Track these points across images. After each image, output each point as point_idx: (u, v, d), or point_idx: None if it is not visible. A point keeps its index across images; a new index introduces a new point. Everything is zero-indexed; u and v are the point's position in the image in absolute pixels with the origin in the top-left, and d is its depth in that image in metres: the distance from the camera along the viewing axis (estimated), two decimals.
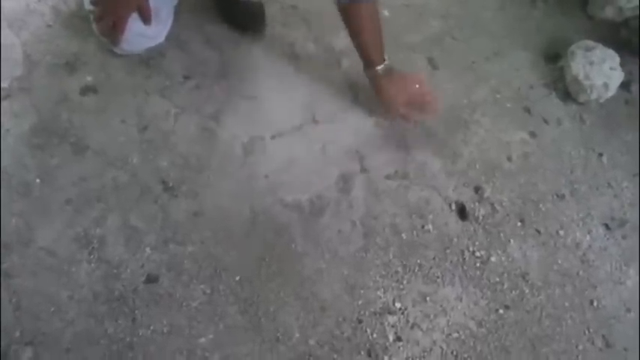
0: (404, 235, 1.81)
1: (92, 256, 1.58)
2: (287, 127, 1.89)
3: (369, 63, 1.83)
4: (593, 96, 2.16)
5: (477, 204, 1.91)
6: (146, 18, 1.70)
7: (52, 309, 1.50)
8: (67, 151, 1.70)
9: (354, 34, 1.78)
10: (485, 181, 1.96)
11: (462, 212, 1.89)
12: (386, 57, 1.83)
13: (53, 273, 1.54)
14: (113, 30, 1.69)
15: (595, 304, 1.85)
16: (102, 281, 1.56)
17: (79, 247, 1.59)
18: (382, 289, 1.71)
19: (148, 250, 1.62)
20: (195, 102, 1.86)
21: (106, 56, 1.85)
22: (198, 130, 1.82)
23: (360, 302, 1.68)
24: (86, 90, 1.79)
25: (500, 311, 1.76)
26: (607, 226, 1.99)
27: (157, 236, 1.65)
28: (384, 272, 1.74)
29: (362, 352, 1.62)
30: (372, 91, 1.91)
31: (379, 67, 1.82)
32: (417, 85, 1.87)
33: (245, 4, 1.97)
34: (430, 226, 1.84)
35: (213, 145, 1.81)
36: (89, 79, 1.81)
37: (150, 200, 1.69)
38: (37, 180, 1.64)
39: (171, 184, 1.72)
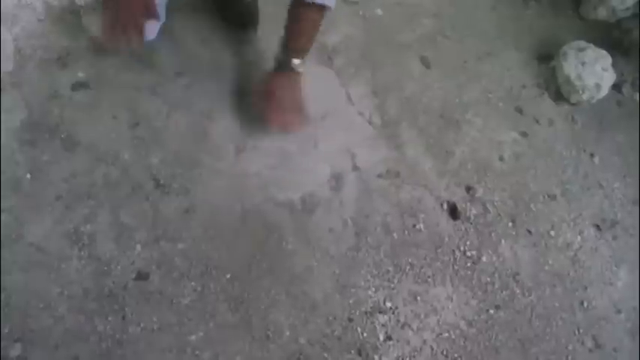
0: (395, 235, 1.81)
1: (82, 253, 1.57)
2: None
3: (290, 51, 1.73)
4: (585, 96, 2.17)
5: (468, 204, 1.91)
6: (152, 14, 1.67)
7: (42, 305, 1.49)
8: (57, 146, 1.69)
9: (296, 24, 1.69)
10: (476, 181, 1.96)
11: (454, 212, 1.89)
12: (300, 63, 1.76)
13: (43, 269, 1.53)
14: (133, 35, 1.62)
15: (585, 304, 1.86)
16: (92, 278, 1.55)
17: (69, 244, 1.58)
18: (373, 289, 1.72)
19: (138, 247, 1.62)
20: (188, 99, 1.85)
21: (97, 52, 1.83)
22: (190, 127, 1.81)
23: (350, 301, 1.68)
24: (77, 86, 1.78)
25: (491, 311, 1.77)
26: (598, 227, 2.00)
27: (148, 233, 1.64)
28: (375, 271, 1.74)
29: (352, 351, 1.62)
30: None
31: (295, 60, 1.73)
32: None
33: (239, 2, 1.97)
34: (421, 226, 1.84)
35: (205, 143, 1.80)
36: (80, 74, 1.80)
37: (141, 197, 1.68)
38: (28, 175, 1.63)
39: (162, 181, 1.71)
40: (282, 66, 1.75)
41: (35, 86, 1.75)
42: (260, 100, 1.78)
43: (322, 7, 1.63)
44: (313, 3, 1.60)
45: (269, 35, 2.03)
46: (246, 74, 1.93)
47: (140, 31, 1.62)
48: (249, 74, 1.94)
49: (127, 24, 1.60)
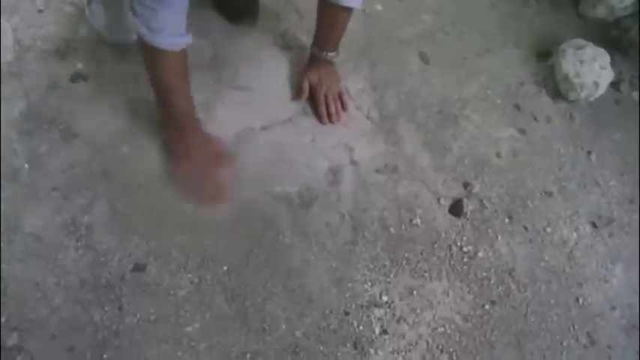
0: (392, 229, 1.81)
1: (79, 244, 1.58)
2: (277, 118, 1.89)
3: (322, 47, 1.88)
4: (583, 94, 2.17)
5: (465, 199, 1.91)
6: (227, 163, 1.77)
7: (39, 295, 1.50)
8: (56, 137, 1.69)
9: (328, 25, 1.82)
10: (474, 177, 1.96)
11: (455, 209, 1.89)
12: (335, 55, 1.91)
13: (40, 259, 1.54)
14: (220, 192, 1.73)
15: (580, 301, 1.86)
16: (89, 269, 1.56)
17: (66, 234, 1.58)
18: (369, 283, 1.72)
19: (135, 238, 1.62)
20: None
21: (96, 43, 1.83)
22: None
23: (347, 295, 1.69)
24: (76, 77, 1.78)
25: (487, 306, 1.77)
26: (594, 224, 2.01)
27: (145, 225, 1.64)
28: (371, 265, 1.74)
29: (348, 345, 1.63)
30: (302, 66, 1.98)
31: (331, 54, 1.89)
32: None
33: None
34: (418, 221, 1.84)
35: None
36: (80, 66, 1.80)
37: (138, 189, 1.68)
38: (26, 166, 1.63)
39: (160, 174, 1.71)
40: (318, 59, 1.89)
41: (34, 77, 1.75)
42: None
43: (349, 8, 1.71)
44: (341, 6, 1.69)
45: (268, 28, 2.03)
46: (244, 67, 1.93)
47: (224, 185, 1.74)
48: (247, 67, 1.94)
49: (209, 184, 1.73)
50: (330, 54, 1.88)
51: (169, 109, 1.63)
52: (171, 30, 1.41)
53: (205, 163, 1.72)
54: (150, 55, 1.48)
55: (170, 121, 1.67)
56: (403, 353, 1.65)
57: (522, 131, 2.11)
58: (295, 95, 1.93)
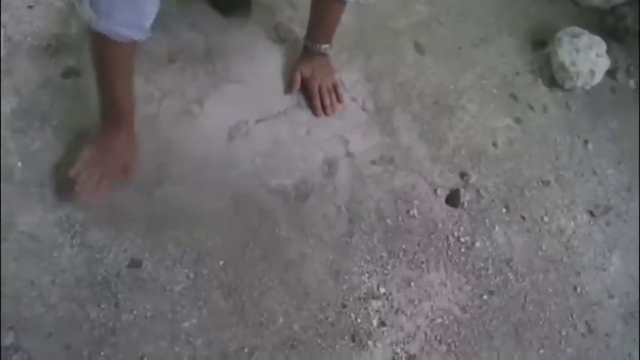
0: (389, 221, 1.80)
1: (74, 241, 1.56)
2: (272, 111, 1.88)
3: (316, 39, 1.87)
4: (579, 83, 2.17)
5: (462, 190, 1.91)
6: (129, 177, 1.64)
7: (34, 293, 1.49)
8: (48, 134, 1.68)
9: (321, 18, 1.82)
10: (470, 167, 1.96)
11: (452, 199, 1.88)
12: (328, 47, 1.90)
13: (35, 257, 1.53)
14: (98, 191, 1.58)
15: (578, 290, 1.86)
16: (84, 266, 1.55)
17: (61, 232, 1.57)
18: (367, 274, 1.71)
19: (131, 234, 1.61)
20: (180, 85, 1.83)
21: (88, 38, 1.81)
22: (182, 113, 1.80)
23: (344, 287, 1.68)
24: (68, 73, 1.76)
25: (485, 297, 1.77)
26: (591, 213, 2.01)
27: (140, 221, 1.63)
28: (368, 257, 1.74)
29: (346, 337, 1.62)
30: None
31: (324, 46, 1.88)
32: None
33: None
34: (415, 212, 1.84)
35: (198, 129, 1.79)
36: (71, 61, 1.78)
37: (133, 184, 1.67)
38: (19, 164, 1.62)
39: (154, 169, 1.70)
40: (311, 51, 1.89)
41: (25, 74, 1.74)
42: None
43: (342, 1, 1.72)
44: None
45: (262, 21, 2.02)
46: (238, 61, 1.92)
47: (105, 189, 1.60)
48: (241, 60, 1.93)
49: (92, 181, 1.57)
50: (324, 46, 1.87)
51: (107, 99, 1.55)
52: (123, 18, 1.30)
53: (108, 163, 1.60)
54: (95, 39, 1.38)
55: (106, 107, 1.57)
56: (402, 345, 1.65)
57: (518, 121, 2.11)
58: (287, 88, 1.93)
